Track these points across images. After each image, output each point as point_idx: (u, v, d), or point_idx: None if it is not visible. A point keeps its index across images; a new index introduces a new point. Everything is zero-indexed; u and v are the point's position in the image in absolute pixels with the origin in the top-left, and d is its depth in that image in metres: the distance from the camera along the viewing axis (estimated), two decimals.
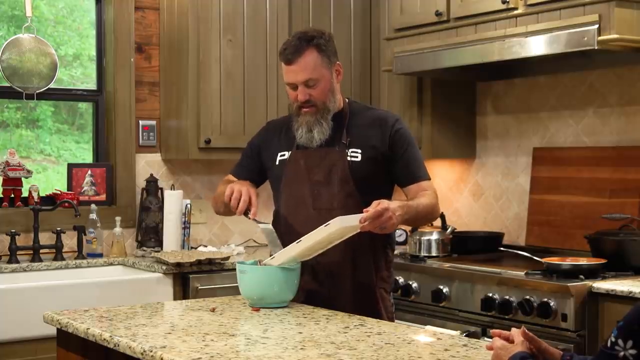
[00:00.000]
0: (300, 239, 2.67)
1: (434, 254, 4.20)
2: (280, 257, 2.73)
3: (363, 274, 2.89)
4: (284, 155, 2.98)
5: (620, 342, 1.65)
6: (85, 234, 4.29)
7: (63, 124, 4.64)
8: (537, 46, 3.69)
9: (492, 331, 1.99)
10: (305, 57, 2.83)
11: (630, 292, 3.18)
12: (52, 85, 4.37)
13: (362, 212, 2.61)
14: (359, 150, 2.88)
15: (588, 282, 3.35)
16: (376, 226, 2.61)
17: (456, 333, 3.30)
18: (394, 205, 2.65)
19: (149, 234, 4.45)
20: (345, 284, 2.88)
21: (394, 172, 2.92)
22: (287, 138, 2.98)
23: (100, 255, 4.32)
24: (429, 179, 2.96)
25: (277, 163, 2.99)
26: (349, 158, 2.87)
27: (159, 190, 4.51)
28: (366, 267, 2.89)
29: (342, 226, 2.58)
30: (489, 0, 3.93)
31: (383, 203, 2.61)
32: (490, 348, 1.92)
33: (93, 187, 4.50)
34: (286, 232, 2.92)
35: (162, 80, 4.64)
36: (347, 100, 3.02)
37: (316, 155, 2.91)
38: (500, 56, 3.85)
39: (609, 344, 1.66)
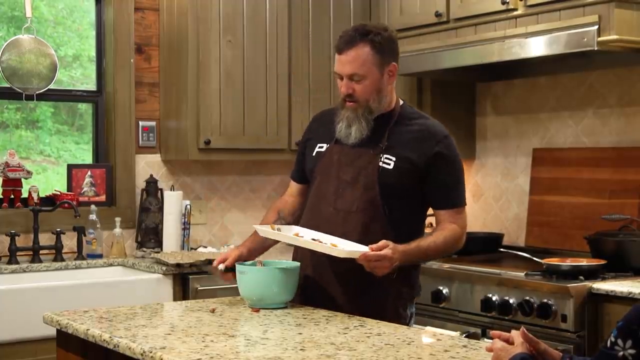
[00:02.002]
0: (311, 239, 2.70)
1: None
2: (284, 236, 2.76)
3: (378, 290, 2.77)
4: (322, 147, 2.91)
5: (619, 342, 1.65)
6: (85, 235, 4.29)
7: (63, 124, 4.64)
8: (536, 47, 3.69)
9: (492, 332, 1.99)
10: (356, 50, 2.75)
11: (630, 293, 3.19)
12: (51, 86, 4.37)
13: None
14: (393, 158, 2.78)
15: (588, 283, 3.35)
16: (370, 267, 2.61)
17: (456, 334, 3.30)
18: (396, 253, 2.62)
19: (149, 235, 4.45)
20: (359, 299, 2.77)
21: (428, 191, 2.82)
22: (329, 130, 2.89)
23: (100, 256, 4.32)
24: (463, 205, 2.88)
25: (314, 154, 2.93)
26: (380, 163, 2.78)
27: (159, 191, 4.51)
28: (382, 284, 2.75)
29: (344, 255, 2.61)
30: (488, 1, 3.93)
31: (387, 250, 2.60)
32: (490, 349, 1.92)
33: (93, 188, 4.50)
34: (306, 227, 2.90)
35: (161, 81, 4.64)
36: (401, 102, 2.92)
37: (351, 153, 2.83)
38: (500, 57, 3.85)
39: (608, 344, 1.67)
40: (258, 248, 2.96)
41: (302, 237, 2.75)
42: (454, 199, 2.85)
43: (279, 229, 2.80)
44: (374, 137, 2.81)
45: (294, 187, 3.08)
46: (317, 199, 2.89)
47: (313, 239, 2.72)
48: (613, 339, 1.66)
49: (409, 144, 2.80)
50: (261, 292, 2.72)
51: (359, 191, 2.79)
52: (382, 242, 2.62)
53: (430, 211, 2.93)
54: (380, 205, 2.77)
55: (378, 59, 2.77)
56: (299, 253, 2.91)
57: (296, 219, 3.01)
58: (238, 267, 2.78)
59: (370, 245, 2.61)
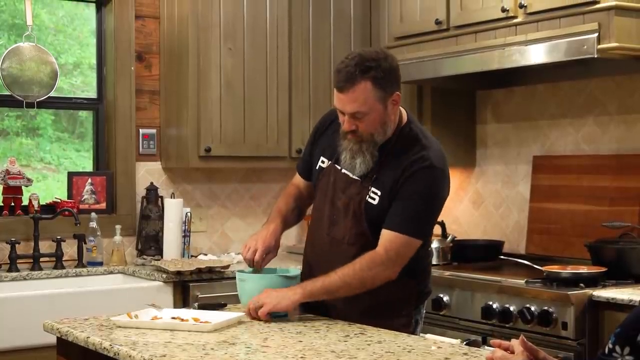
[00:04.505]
0: (170, 317, 2.63)
1: (434, 262, 4.18)
2: (142, 322, 2.59)
3: (374, 313, 2.71)
4: (324, 162, 2.85)
5: (617, 348, 1.65)
6: (85, 243, 4.29)
7: (63, 132, 4.64)
8: (536, 54, 3.70)
9: (492, 341, 2.00)
10: (357, 89, 2.60)
11: (631, 301, 3.18)
12: (52, 94, 4.37)
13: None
14: (379, 192, 2.69)
15: (588, 291, 3.35)
16: (261, 317, 2.64)
17: (456, 341, 3.29)
18: (285, 296, 2.63)
19: (149, 243, 4.45)
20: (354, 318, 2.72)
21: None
22: (333, 143, 2.80)
23: (101, 264, 4.31)
24: (409, 236, 2.64)
25: (317, 167, 2.87)
26: (367, 198, 2.70)
27: (159, 199, 4.50)
28: (378, 307, 2.73)
29: (210, 329, 2.51)
30: (488, 9, 3.94)
31: (261, 297, 2.65)
32: (490, 359, 1.93)
33: (93, 196, 4.50)
34: (306, 252, 2.91)
35: (162, 89, 4.65)
36: (404, 122, 2.77)
37: (344, 179, 2.77)
38: (500, 64, 3.85)
39: (606, 351, 1.67)
40: (282, 230, 2.92)
41: (161, 318, 2.64)
42: (399, 223, 2.65)
43: (136, 316, 2.62)
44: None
45: (301, 182, 3.02)
46: (315, 222, 2.88)
47: (173, 317, 2.63)
48: (611, 346, 1.66)
49: (393, 175, 2.68)
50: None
51: (350, 222, 2.74)
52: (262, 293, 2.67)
53: (434, 238, 2.87)
54: (369, 237, 2.71)
55: (380, 94, 2.63)
56: (307, 258, 2.91)
57: (306, 207, 3.02)
58: (238, 275, 2.78)
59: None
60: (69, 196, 4.46)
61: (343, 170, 2.77)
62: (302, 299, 2.65)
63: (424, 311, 2.91)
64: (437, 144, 2.79)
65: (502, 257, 4.27)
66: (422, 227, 2.71)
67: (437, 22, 4.18)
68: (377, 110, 2.65)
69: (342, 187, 2.77)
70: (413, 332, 2.76)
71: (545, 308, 3.37)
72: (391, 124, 2.72)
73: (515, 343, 1.90)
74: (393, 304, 2.77)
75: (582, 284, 3.43)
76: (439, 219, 4.32)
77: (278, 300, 2.63)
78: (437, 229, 4.32)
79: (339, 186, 2.78)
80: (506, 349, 1.91)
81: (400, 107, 2.80)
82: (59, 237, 4.21)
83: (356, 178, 2.75)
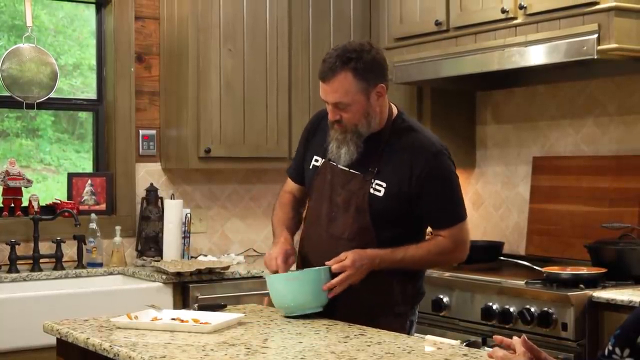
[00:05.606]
0: (170, 319, 2.61)
1: None
2: (142, 323, 2.59)
3: (370, 314, 2.72)
4: (317, 161, 2.87)
5: (617, 350, 1.65)
6: (85, 244, 4.29)
7: (63, 133, 4.64)
8: (536, 55, 3.70)
9: (495, 337, 2.00)
10: (338, 79, 2.66)
11: (631, 302, 3.18)
12: (52, 95, 4.37)
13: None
14: (384, 184, 2.72)
15: (588, 292, 3.35)
16: (343, 287, 2.67)
17: (456, 342, 3.29)
18: (363, 258, 2.67)
19: (149, 244, 4.45)
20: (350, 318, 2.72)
21: (421, 211, 2.75)
22: (325, 139, 2.83)
23: (100, 265, 4.31)
24: (459, 222, 2.80)
25: (310, 167, 2.89)
26: (371, 190, 2.72)
27: (159, 200, 4.50)
28: (374, 308, 2.75)
29: (208, 330, 2.50)
30: (488, 10, 3.94)
31: (347, 261, 2.65)
32: (491, 356, 1.93)
33: (93, 197, 4.50)
34: (302, 249, 2.90)
35: (162, 90, 4.65)
36: (395, 114, 2.82)
37: (342, 175, 2.78)
38: (500, 65, 3.85)
39: (606, 352, 1.67)
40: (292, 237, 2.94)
41: (161, 319, 2.64)
42: (447, 219, 2.79)
43: (136, 317, 2.63)
44: (366, 159, 2.75)
45: (294, 188, 3.03)
46: (312, 219, 2.88)
47: (172, 318, 2.62)
48: (611, 347, 1.66)
49: (399, 166, 2.72)
50: (311, 294, 2.67)
51: (351, 217, 2.75)
52: (342, 255, 2.68)
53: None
54: (372, 231, 2.73)
55: (362, 85, 2.67)
56: (304, 257, 2.90)
57: (302, 214, 3.03)
58: (284, 275, 2.72)
59: (331, 266, 2.68)
60: (69, 197, 4.46)
61: (340, 166, 2.79)
62: (374, 266, 2.71)
63: (418, 312, 2.91)
64: (429, 131, 2.89)
65: (502, 258, 4.27)
66: (463, 207, 2.86)
67: (437, 23, 4.18)
68: (359, 101, 2.69)
69: (341, 183, 2.78)
70: (408, 333, 2.77)
71: (545, 309, 3.37)
72: (376, 116, 2.75)
73: (516, 341, 1.90)
74: (389, 305, 2.78)
75: (582, 285, 3.43)
76: None
77: (361, 274, 2.68)
78: None
79: (337, 182, 2.79)
80: (508, 346, 1.91)
81: (391, 103, 2.83)
82: (58, 238, 4.21)
83: (357, 172, 2.76)
